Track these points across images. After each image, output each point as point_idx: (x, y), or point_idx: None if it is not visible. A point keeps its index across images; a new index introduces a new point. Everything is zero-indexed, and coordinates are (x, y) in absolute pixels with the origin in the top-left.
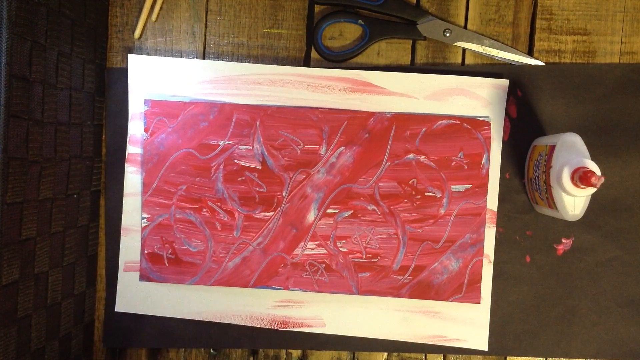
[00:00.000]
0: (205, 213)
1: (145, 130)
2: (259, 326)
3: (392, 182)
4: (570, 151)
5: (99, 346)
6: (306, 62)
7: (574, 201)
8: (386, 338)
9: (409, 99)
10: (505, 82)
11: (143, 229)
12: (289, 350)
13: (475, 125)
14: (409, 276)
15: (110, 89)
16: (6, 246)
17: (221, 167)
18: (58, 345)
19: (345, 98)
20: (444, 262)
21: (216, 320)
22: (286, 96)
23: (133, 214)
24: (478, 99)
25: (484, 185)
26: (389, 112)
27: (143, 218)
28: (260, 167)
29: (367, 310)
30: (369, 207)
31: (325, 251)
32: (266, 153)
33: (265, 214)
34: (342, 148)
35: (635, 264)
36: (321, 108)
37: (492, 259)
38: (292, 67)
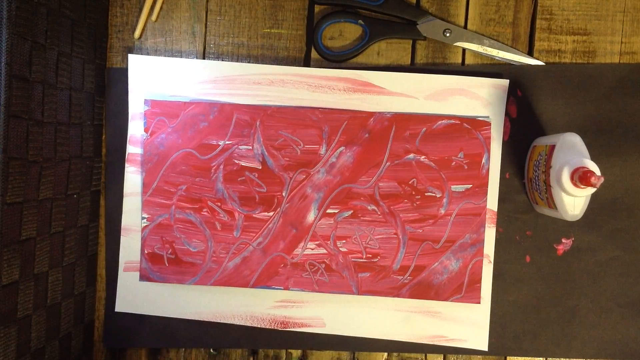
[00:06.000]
0: (205, 213)
1: (145, 130)
2: (259, 326)
3: (392, 182)
4: (570, 151)
5: (99, 346)
6: (306, 62)
7: (573, 201)
8: (386, 338)
9: (409, 99)
10: (505, 82)
11: (143, 229)
12: (289, 350)
13: (475, 125)
14: (409, 276)
15: (110, 89)
16: (6, 246)
17: (221, 167)
18: (58, 345)
19: (345, 98)
20: (444, 262)
21: (216, 320)
22: (286, 96)
23: (133, 214)
24: (478, 99)
25: (484, 185)
26: (389, 112)
27: (143, 218)
28: (260, 167)
29: (367, 310)
30: (369, 207)
31: (325, 251)
32: (266, 153)
33: (265, 214)
34: (342, 148)
35: (635, 264)
36: (321, 108)
37: (492, 259)
38: (292, 67)
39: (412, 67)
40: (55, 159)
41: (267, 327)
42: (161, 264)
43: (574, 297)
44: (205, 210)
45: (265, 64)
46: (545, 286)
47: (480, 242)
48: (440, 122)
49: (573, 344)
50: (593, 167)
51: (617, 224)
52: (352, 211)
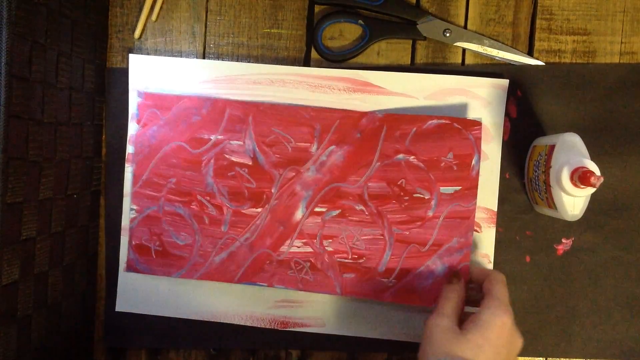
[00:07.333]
0: (194, 207)
1: (137, 122)
2: (258, 326)
3: (382, 182)
4: (570, 151)
5: (99, 346)
6: (306, 62)
7: (573, 201)
8: (386, 338)
9: (409, 99)
10: (505, 82)
11: (131, 220)
12: (289, 350)
13: (465, 125)
14: (393, 279)
15: (110, 89)
16: (6, 246)
17: (212, 161)
18: (58, 345)
19: (345, 98)
20: (429, 266)
21: (216, 320)
22: (286, 96)
23: None
24: (478, 99)
25: (474, 188)
26: (380, 112)
27: (132, 209)
28: (250, 163)
29: (367, 310)
30: (356, 207)
31: (311, 250)
32: (257, 149)
33: (254, 209)
34: (333, 147)
35: (635, 264)
36: (314, 106)
37: (492, 259)
38: (292, 67)
39: (412, 67)
40: (55, 159)
41: (267, 327)
42: (148, 256)
43: (574, 297)
44: (194, 204)
45: (265, 63)
46: (545, 286)
47: (468, 246)
48: (430, 122)
49: (573, 344)
50: (593, 167)
51: (617, 224)
52: (340, 210)
